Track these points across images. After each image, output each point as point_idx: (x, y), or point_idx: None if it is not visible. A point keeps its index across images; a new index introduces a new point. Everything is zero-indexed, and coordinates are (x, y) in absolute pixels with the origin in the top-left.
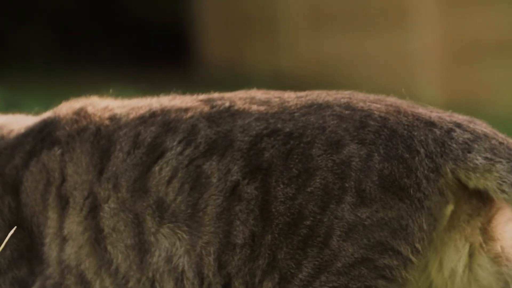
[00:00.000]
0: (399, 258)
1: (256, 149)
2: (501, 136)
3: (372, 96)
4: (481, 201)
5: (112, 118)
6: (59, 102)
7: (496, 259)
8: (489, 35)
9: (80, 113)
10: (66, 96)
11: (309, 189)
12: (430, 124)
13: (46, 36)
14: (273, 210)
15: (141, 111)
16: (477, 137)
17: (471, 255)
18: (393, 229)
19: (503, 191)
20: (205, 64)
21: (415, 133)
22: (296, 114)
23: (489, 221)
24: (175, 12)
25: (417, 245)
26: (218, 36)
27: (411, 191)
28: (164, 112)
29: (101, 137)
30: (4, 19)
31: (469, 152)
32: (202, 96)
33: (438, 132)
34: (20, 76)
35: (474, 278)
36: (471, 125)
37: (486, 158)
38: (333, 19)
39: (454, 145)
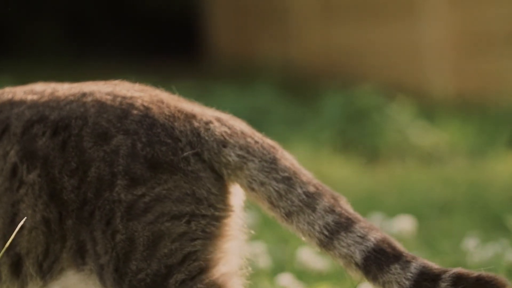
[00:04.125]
0: (205, 217)
1: (28, 134)
2: (258, 136)
3: (138, 86)
4: None
5: None
6: None
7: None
8: (499, 25)
9: None
10: None
11: (88, 179)
12: (191, 116)
13: (56, 27)
14: (66, 198)
15: None
16: (234, 133)
17: None
18: (178, 198)
19: (252, 189)
20: (215, 54)
21: (176, 124)
22: (61, 103)
23: None
24: (185, 2)
25: (217, 204)
26: (228, 27)
27: (182, 165)
28: None
29: None
30: (15, 9)
31: (224, 147)
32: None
33: (196, 124)
34: (31, 66)
35: None
36: (230, 121)
37: (239, 155)
38: (343, 10)
39: (210, 137)
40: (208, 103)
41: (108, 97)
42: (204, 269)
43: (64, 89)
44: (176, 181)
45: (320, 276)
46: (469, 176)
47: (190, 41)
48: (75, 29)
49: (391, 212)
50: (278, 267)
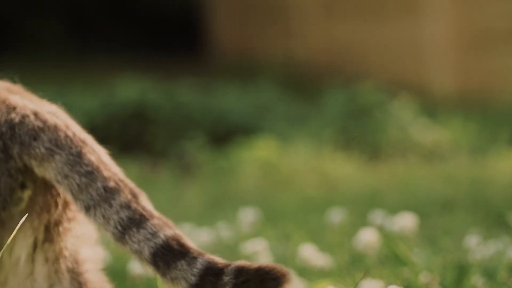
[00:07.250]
0: None
1: None
2: (73, 130)
3: None
4: (54, 199)
5: None
6: (71, 89)
7: (50, 261)
8: (501, 23)
9: None
10: (79, 84)
11: None
12: (12, 108)
13: (59, 23)
14: None
15: None
16: (47, 127)
17: (34, 248)
18: None
19: (58, 182)
20: (217, 51)
21: None
22: None
23: (56, 222)
24: None
25: None
26: (231, 23)
27: None
28: None
29: None
30: (17, 6)
31: (35, 140)
32: None
33: (13, 116)
34: (33, 63)
35: (31, 271)
36: (47, 115)
37: (47, 148)
38: (346, 7)
39: (23, 130)
40: (210, 100)
41: None
42: None
43: None
44: None
45: (322, 273)
46: (471, 173)
47: (192, 38)
48: (77, 26)
49: (393, 210)
50: (280, 264)
